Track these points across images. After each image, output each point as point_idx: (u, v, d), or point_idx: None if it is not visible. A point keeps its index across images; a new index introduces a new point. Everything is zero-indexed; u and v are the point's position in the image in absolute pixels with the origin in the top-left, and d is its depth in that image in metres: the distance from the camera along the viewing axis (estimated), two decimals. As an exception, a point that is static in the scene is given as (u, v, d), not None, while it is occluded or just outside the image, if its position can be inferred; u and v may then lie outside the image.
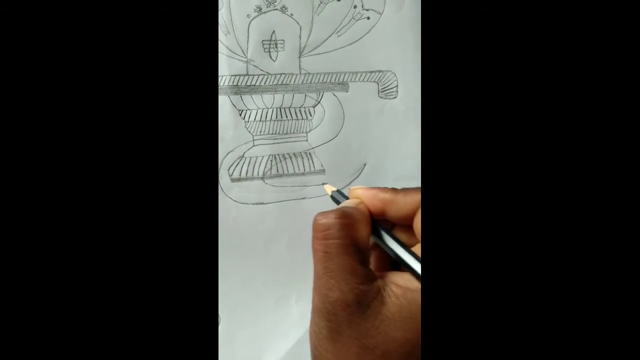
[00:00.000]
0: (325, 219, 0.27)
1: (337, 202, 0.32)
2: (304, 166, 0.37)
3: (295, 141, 0.37)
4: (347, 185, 0.38)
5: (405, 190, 0.28)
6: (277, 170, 0.37)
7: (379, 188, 0.29)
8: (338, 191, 0.32)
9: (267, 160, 0.36)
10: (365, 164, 0.38)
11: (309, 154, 0.37)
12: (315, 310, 0.27)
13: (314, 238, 0.27)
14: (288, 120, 0.37)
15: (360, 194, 0.30)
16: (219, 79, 0.35)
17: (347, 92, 0.37)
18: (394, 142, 0.38)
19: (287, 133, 0.37)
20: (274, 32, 0.36)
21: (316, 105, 0.37)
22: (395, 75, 0.38)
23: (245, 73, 0.36)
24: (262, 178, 0.36)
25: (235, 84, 0.35)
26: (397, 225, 0.30)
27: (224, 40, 0.35)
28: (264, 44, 0.36)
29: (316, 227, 0.27)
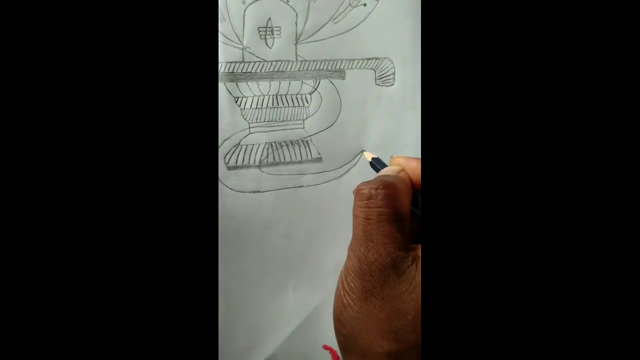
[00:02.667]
0: (368, 188, 0.27)
1: (377, 170, 0.32)
2: (300, 154, 0.37)
3: (292, 129, 0.37)
4: (344, 174, 0.37)
5: None
6: (274, 158, 0.36)
7: (415, 158, 0.30)
8: (378, 159, 0.33)
9: (263, 148, 0.36)
10: (362, 152, 0.38)
11: (306, 141, 0.37)
12: (350, 270, 0.27)
13: (356, 206, 0.27)
14: (284, 107, 0.36)
15: (403, 162, 0.30)
16: (215, 66, 0.35)
17: (344, 79, 0.37)
18: (391, 130, 0.38)
19: (283, 120, 0.36)
20: (269, 19, 0.36)
21: (313, 92, 0.37)
22: (392, 63, 0.38)
23: (241, 60, 0.35)
24: (259, 166, 0.36)
25: (231, 71, 0.35)
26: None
27: (220, 27, 0.35)
28: (259, 31, 0.36)
29: (359, 196, 0.27)
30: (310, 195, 0.37)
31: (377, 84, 0.38)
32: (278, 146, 0.36)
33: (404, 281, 0.25)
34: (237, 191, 0.36)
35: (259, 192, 0.36)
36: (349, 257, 0.27)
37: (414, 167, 0.29)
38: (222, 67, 0.35)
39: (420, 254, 0.26)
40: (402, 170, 0.30)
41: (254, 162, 0.36)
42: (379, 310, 0.25)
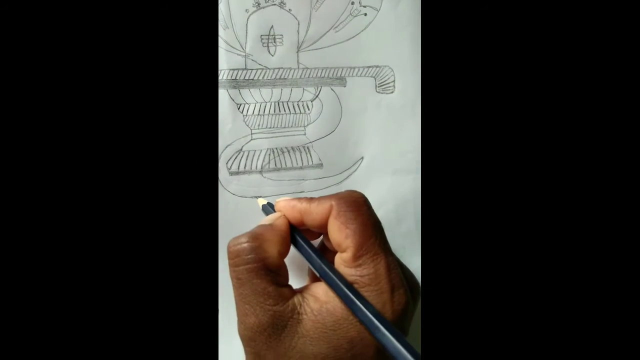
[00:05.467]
0: (234, 246, 0.27)
1: (267, 214, 0.32)
2: (301, 160, 0.37)
3: (293, 135, 0.37)
4: (345, 180, 0.38)
5: (319, 199, 0.28)
6: (275, 164, 0.37)
7: (298, 199, 0.29)
8: (268, 204, 0.33)
9: (265, 154, 0.37)
10: (362, 158, 0.38)
11: (307, 147, 0.37)
12: (239, 337, 0.27)
13: (229, 265, 0.27)
14: (286, 114, 0.37)
15: (282, 207, 0.30)
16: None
17: (345, 86, 0.38)
18: (391, 137, 0.38)
19: (285, 127, 0.37)
20: (272, 27, 0.36)
21: (314, 99, 0.37)
22: (392, 70, 0.38)
23: (244, 67, 0.36)
24: (260, 172, 0.36)
25: (233, 78, 0.36)
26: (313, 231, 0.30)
27: (223, 35, 0.35)
28: (262, 39, 0.36)
29: (228, 254, 0.27)
30: (310, 201, 0.37)
31: (378, 92, 0.38)
32: (280, 152, 0.37)
33: (285, 337, 0.25)
34: (239, 196, 0.36)
35: (260, 197, 0.36)
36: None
37: (290, 208, 0.29)
38: (225, 74, 0.35)
39: (304, 297, 0.26)
40: (281, 216, 0.29)
41: (256, 168, 0.36)
42: None
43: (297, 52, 0.37)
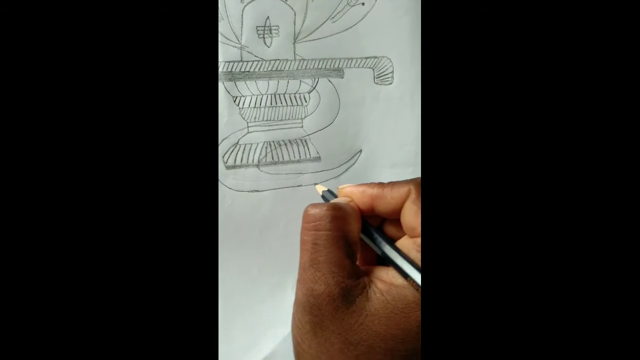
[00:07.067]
0: (317, 210, 0.27)
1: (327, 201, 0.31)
2: (299, 153, 0.37)
3: (290, 128, 0.37)
4: (343, 173, 0.37)
5: (392, 183, 0.28)
6: (272, 158, 0.36)
7: (367, 184, 0.29)
8: (329, 191, 0.32)
9: (262, 147, 0.36)
10: (360, 151, 0.38)
11: (304, 140, 0.37)
12: (299, 304, 0.26)
13: (304, 229, 0.27)
14: (283, 106, 0.36)
15: (349, 192, 0.29)
16: (213, 65, 0.35)
17: (343, 78, 0.37)
18: (390, 129, 0.38)
19: (282, 119, 0.36)
20: (268, 18, 0.36)
21: (311, 91, 0.37)
22: (390, 61, 0.38)
23: (240, 59, 0.35)
24: (257, 165, 0.36)
25: (229, 70, 0.35)
26: (387, 219, 0.30)
27: (218, 27, 0.35)
28: (258, 30, 0.36)
29: (307, 218, 0.27)
30: (309, 195, 0.37)
31: (376, 83, 0.38)
32: (277, 145, 0.36)
33: (354, 312, 0.24)
34: (236, 190, 0.36)
35: (257, 191, 0.36)
36: (296, 291, 0.26)
37: (359, 194, 0.29)
38: (220, 67, 0.35)
39: (371, 280, 0.25)
40: (351, 200, 0.29)
41: (253, 162, 0.36)
42: (330, 343, 0.25)
43: (294, 43, 0.36)
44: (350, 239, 0.27)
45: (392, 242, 0.27)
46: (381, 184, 0.28)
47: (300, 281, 0.26)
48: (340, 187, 0.30)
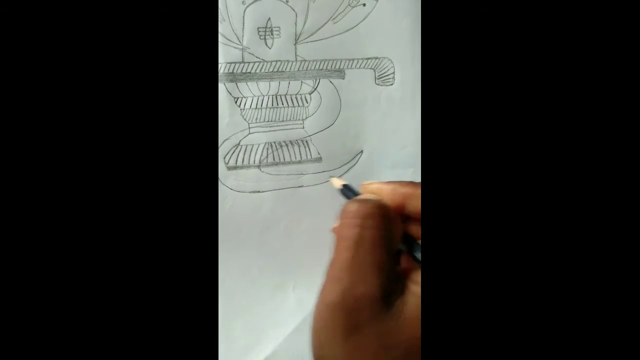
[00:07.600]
0: (362, 206, 0.25)
1: (348, 197, 0.29)
2: (300, 154, 0.37)
3: (292, 129, 0.37)
4: (344, 174, 0.38)
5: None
6: (274, 158, 0.36)
7: (396, 182, 0.27)
8: (347, 186, 0.30)
9: (263, 148, 0.36)
10: (361, 152, 0.38)
11: (305, 141, 0.37)
12: (328, 305, 0.24)
13: (345, 225, 0.25)
14: (284, 107, 0.36)
15: (377, 189, 0.27)
16: (214, 66, 0.35)
17: (344, 79, 0.37)
18: (391, 129, 0.38)
19: (283, 120, 0.36)
20: (269, 19, 0.36)
21: (312, 92, 0.37)
22: (391, 62, 0.38)
23: (241, 60, 0.35)
24: (259, 166, 0.36)
25: (230, 71, 0.35)
26: (412, 219, 0.28)
27: (220, 28, 0.35)
28: (259, 31, 0.36)
29: (350, 214, 0.25)
30: (310, 195, 0.37)
31: (377, 84, 0.38)
32: (278, 146, 0.36)
33: (393, 314, 0.23)
34: (237, 191, 0.36)
35: (258, 192, 0.36)
36: (326, 288, 0.24)
37: (390, 192, 0.26)
38: (221, 68, 0.35)
39: (407, 282, 0.24)
40: (381, 198, 0.27)
41: (254, 162, 0.36)
42: (364, 347, 0.23)
43: (295, 44, 0.36)
44: (395, 239, 0.25)
45: (419, 244, 0.26)
46: (413, 183, 0.27)
47: (334, 280, 0.24)
48: (365, 183, 0.28)
